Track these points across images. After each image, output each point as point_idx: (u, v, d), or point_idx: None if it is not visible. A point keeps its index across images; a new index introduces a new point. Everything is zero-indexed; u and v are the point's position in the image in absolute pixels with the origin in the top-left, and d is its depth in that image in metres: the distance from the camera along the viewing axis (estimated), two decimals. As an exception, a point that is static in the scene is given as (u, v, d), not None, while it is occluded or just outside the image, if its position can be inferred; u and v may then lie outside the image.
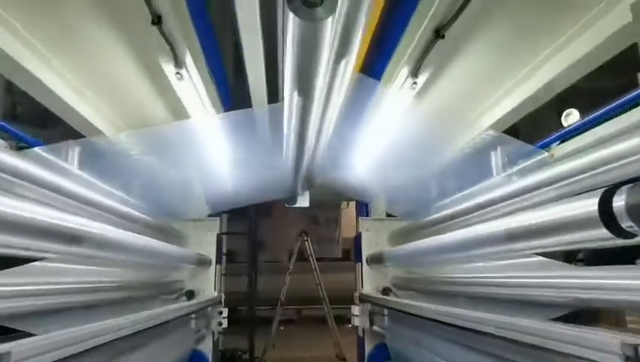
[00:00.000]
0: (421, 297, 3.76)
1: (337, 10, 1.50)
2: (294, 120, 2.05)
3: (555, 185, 2.21)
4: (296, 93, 1.86)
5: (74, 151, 2.74)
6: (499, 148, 3.05)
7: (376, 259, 4.42)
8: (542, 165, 2.61)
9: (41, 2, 1.94)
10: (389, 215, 4.94)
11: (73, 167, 2.77)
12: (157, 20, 1.81)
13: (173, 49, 2.01)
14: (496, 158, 3.09)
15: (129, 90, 2.64)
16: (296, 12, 1.29)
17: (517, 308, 2.25)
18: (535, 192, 2.41)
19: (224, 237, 6.01)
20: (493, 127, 2.85)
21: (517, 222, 1.98)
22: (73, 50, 2.20)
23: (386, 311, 4.11)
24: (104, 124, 2.71)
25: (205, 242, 4.54)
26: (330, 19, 1.44)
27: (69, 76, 2.33)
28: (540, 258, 2.01)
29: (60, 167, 2.59)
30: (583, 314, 1.80)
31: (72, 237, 1.91)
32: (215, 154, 3.26)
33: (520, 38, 2.10)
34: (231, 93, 2.77)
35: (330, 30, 1.54)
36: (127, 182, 3.19)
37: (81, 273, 2.48)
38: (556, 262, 1.88)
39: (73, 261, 2.39)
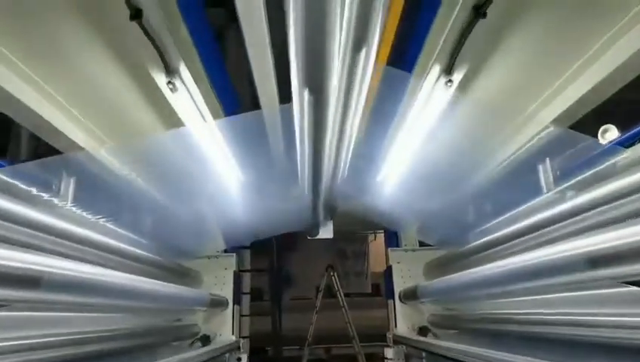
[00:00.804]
0: (465, 338, 3.32)
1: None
2: (307, 126, 1.69)
3: (629, 198, 1.77)
4: (306, 93, 1.51)
5: (64, 180, 2.47)
6: (547, 160, 2.64)
7: (411, 295, 3.95)
8: (605, 177, 2.17)
9: (15, 9, 1.68)
10: (422, 244, 4.49)
11: (65, 199, 2.50)
12: (136, 14, 1.51)
13: (160, 52, 1.71)
14: (544, 172, 2.67)
15: (121, 106, 2.36)
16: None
17: (593, 354, 1.83)
18: (601, 208, 1.97)
19: (247, 274, 5.66)
20: (542, 133, 2.43)
21: (595, 244, 1.55)
22: (52, 60, 1.93)
23: (424, 354, 3.63)
24: (93, 145, 2.41)
25: (221, 281, 4.18)
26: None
27: (50, 90, 2.05)
28: (631, 288, 1.57)
29: (45, 201, 2.31)
30: None
31: (67, 285, 1.60)
32: (224, 178, 2.93)
33: (579, 14, 1.71)
34: (237, 101, 2.45)
35: (341, 8, 1.21)
36: (126, 215, 2.89)
37: (86, 322, 2.30)
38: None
39: (74, 309, 2.13)
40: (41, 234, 1.98)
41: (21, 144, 3.35)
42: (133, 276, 2.27)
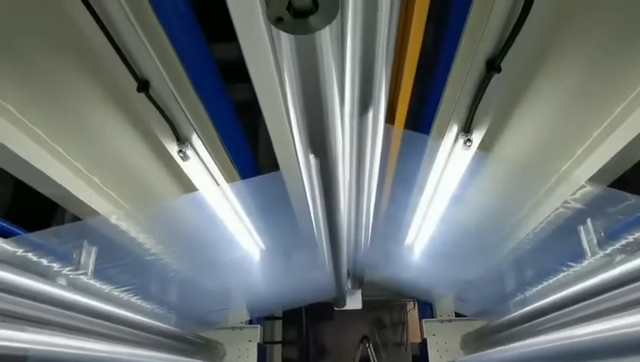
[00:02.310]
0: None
1: (350, 39, 1.14)
2: (318, 192, 1.61)
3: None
4: (312, 157, 1.44)
5: (85, 249, 2.45)
6: (589, 221, 2.41)
7: (449, 372, 3.59)
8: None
9: (36, 83, 1.76)
10: (457, 314, 4.16)
11: (85, 270, 2.47)
12: (143, 86, 1.52)
13: (169, 121, 1.71)
14: (586, 234, 2.44)
15: (140, 173, 2.37)
16: (281, 26, 0.91)
17: None
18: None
19: (278, 347, 5.40)
20: (579, 193, 2.24)
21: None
22: (72, 131, 1.98)
23: None
24: (111, 211, 2.41)
25: (245, 353, 3.96)
26: (337, 49, 1.07)
27: (70, 158, 2.09)
28: None
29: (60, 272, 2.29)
30: None
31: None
32: (244, 245, 2.84)
33: (609, 62, 1.60)
34: (254, 164, 2.41)
35: (339, 72, 1.17)
36: (144, 286, 2.83)
37: None
38: None
39: None
40: (55, 309, 1.92)
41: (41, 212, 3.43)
42: (150, 352, 2.14)
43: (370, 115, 1.45)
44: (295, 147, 1.97)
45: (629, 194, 1.95)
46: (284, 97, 1.75)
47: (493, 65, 1.45)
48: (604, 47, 1.57)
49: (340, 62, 1.16)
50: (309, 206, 1.92)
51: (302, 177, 1.90)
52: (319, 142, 1.33)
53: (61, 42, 1.59)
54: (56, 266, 2.32)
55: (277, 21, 0.93)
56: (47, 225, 2.84)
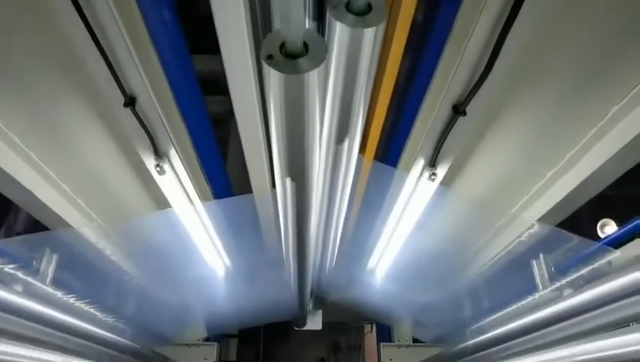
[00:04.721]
0: None
1: (332, 80, 1.24)
2: (290, 214, 1.68)
3: (630, 300, 1.70)
4: (289, 181, 1.51)
5: (46, 257, 2.40)
6: (541, 256, 2.58)
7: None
8: (599, 275, 2.11)
9: (11, 84, 1.75)
10: (415, 340, 4.25)
11: (44, 279, 2.41)
12: (130, 101, 1.57)
13: (150, 136, 1.75)
14: (539, 268, 2.60)
15: (110, 184, 2.36)
16: (273, 64, 1.00)
17: None
18: (602, 310, 1.89)
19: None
20: (530, 231, 2.40)
21: (595, 352, 1.45)
22: (46, 138, 1.97)
23: None
24: (79, 220, 2.37)
25: (200, 372, 3.90)
26: (321, 87, 1.17)
27: (44, 167, 2.07)
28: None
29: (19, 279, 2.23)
30: None
31: None
32: (209, 263, 2.85)
33: (562, 112, 1.77)
34: (228, 185, 2.45)
35: (320, 105, 1.26)
36: (102, 296, 2.77)
37: None
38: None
39: None
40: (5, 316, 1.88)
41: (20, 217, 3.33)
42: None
43: (346, 145, 1.55)
44: (272, 172, 2.06)
45: (573, 235, 2.13)
46: (265, 126, 1.84)
47: (458, 110, 1.58)
48: (559, 99, 1.75)
49: (322, 98, 1.26)
50: (280, 227, 1.99)
51: (275, 200, 1.97)
52: (298, 169, 1.41)
53: (46, 48, 1.59)
54: (13, 271, 2.26)
55: (269, 58, 1.01)
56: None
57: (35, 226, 3.30)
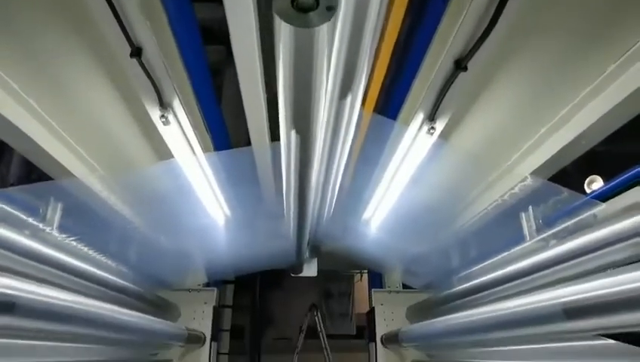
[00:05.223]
0: (446, 386, 3.22)
1: (338, 36, 1.26)
2: (293, 165, 1.74)
3: (612, 248, 1.82)
4: (293, 133, 1.56)
5: (51, 205, 2.46)
6: (530, 209, 2.69)
7: (392, 339, 3.88)
8: (586, 226, 2.22)
9: (15, 33, 1.74)
10: (405, 286, 4.46)
11: (51, 224, 2.49)
12: (136, 52, 1.57)
13: (156, 87, 1.76)
14: (527, 220, 2.71)
15: (113, 135, 2.39)
16: (284, 17, 1.02)
17: None
18: (582, 258, 2.02)
19: (229, 311, 5.52)
20: (522, 184, 2.49)
21: (573, 294, 1.57)
22: (50, 88, 1.97)
23: (404, 403, 3.53)
24: (83, 171, 2.42)
25: (200, 316, 4.08)
26: (328, 43, 1.19)
27: (47, 117, 2.08)
28: (608, 341, 1.57)
29: (29, 225, 2.30)
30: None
31: (43, 312, 1.57)
32: (210, 212, 2.93)
33: (559, 68, 1.80)
34: (227, 137, 2.49)
35: (328, 59, 1.28)
36: (108, 242, 2.87)
37: (56, 352, 2.19)
38: (633, 348, 1.43)
39: (45, 338, 2.06)
40: (18, 258, 1.96)
41: (12, 168, 3.35)
42: (110, 306, 2.23)
43: (349, 100, 1.58)
44: (271, 125, 2.09)
45: (563, 188, 2.22)
46: (265, 79, 1.85)
47: (460, 65, 1.61)
48: (557, 58, 1.78)
49: (329, 53, 1.28)
50: (282, 178, 2.05)
51: (273, 153, 2.02)
52: (303, 122, 1.46)
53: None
54: (23, 218, 2.33)
55: (280, 11, 1.03)
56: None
57: (29, 177, 3.35)
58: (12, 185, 3.69)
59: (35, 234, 2.39)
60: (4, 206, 2.12)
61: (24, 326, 1.51)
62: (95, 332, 2.15)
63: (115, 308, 2.33)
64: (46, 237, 2.44)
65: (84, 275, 2.47)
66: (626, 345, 1.46)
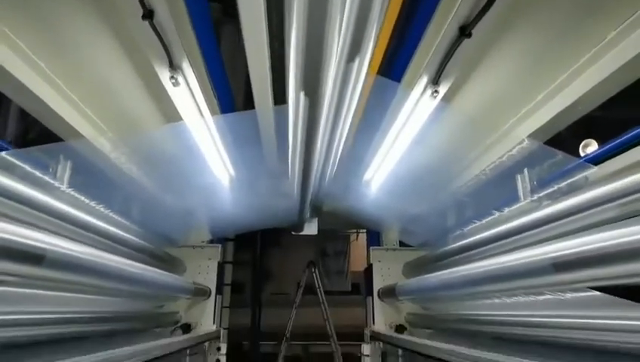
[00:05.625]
0: (440, 336, 3.43)
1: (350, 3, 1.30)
2: (300, 126, 1.81)
3: (600, 208, 1.92)
4: (302, 95, 1.62)
5: (61, 164, 2.54)
6: (526, 171, 2.78)
7: (389, 293, 4.08)
8: (576, 188, 2.32)
9: (25, 1, 1.75)
10: (402, 244, 4.63)
11: (61, 182, 2.57)
12: (148, 14, 1.60)
13: (166, 48, 1.80)
14: (522, 182, 2.82)
15: (121, 97, 2.43)
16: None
17: (560, 354, 1.94)
18: (572, 218, 2.13)
19: (230, 267, 5.72)
20: (519, 146, 2.57)
21: (562, 249, 1.69)
22: (58, 49, 1.99)
23: (400, 352, 3.76)
24: (91, 132, 2.48)
25: (205, 271, 4.26)
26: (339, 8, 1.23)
27: (54, 77, 2.12)
28: (594, 293, 1.70)
29: (43, 183, 2.38)
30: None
31: (68, 264, 1.67)
32: (215, 172, 3.02)
33: (560, 36, 1.85)
34: (233, 100, 2.54)
35: (340, 20, 1.32)
36: (117, 201, 2.96)
37: (65, 301, 2.28)
38: (617, 299, 1.56)
39: (65, 289, 2.18)
40: (40, 214, 2.05)
41: (23, 128, 3.40)
42: (124, 259, 2.34)
43: (356, 63, 1.63)
44: (274, 88, 2.13)
45: (558, 151, 2.30)
46: (270, 41, 1.87)
47: (465, 31, 1.65)
48: (559, 24, 1.82)
49: (341, 15, 1.32)
50: (288, 139, 2.12)
51: (277, 116, 2.07)
52: (312, 84, 1.52)
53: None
54: (40, 175, 2.40)
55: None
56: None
57: (25, 138, 3.40)
58: (10, 143, 3.74)
59: (51, 192, 2.48)
60: (24, 165, 2.20)
61: (50, 276, 1.62)
62: (112, 284, 2.28)
63: (132, 262, 2.46)
64: (60, 196, 2.53)
65: (99, 231, 2.58)
66: (610, 296, 1.59)
